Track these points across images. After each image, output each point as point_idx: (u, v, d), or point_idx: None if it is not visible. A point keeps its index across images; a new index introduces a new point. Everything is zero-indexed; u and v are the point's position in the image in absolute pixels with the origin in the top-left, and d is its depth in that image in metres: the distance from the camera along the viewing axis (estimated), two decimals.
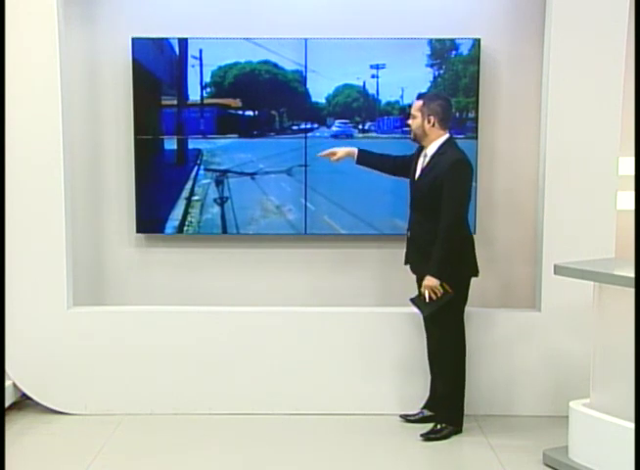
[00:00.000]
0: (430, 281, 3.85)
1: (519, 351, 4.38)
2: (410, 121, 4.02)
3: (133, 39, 4.47)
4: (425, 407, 4.21)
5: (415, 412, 4.23)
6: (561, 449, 3.75)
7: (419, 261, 4.01)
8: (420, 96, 4.09)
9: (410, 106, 4.13)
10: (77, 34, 4.52)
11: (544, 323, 4.36)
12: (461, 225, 3.90)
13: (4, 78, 4.14)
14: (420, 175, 3.98)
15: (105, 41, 4.56)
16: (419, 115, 3.95)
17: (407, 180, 4.13)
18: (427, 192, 3.91)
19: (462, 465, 3.82)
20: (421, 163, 4.00)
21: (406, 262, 4.14)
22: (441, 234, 3.82)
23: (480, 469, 3.75)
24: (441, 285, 3.86)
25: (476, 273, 4.03)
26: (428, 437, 3.99)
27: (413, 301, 4.01)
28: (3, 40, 4.12)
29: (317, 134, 4.55)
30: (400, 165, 4.17)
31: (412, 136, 4.02)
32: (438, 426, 4.02)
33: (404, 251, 4.14)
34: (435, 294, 3.86)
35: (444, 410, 4.05)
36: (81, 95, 4.59)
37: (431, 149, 3.96)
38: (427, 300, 3.89)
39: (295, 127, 4.56)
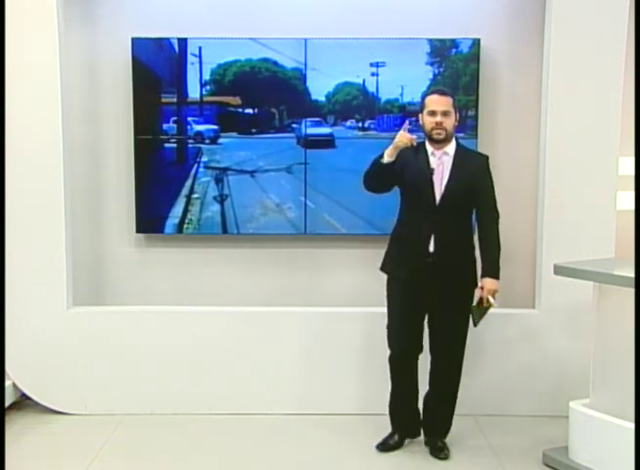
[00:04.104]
0: (493, 284, 3.68)
1: (518, 350, 4.39)
2: (442, 119, 3.64)
3: (133, 39, 4.46)
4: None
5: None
6: (561, 449, 3.76)
7: (456, 266, 3.72)
8: (444, 92, 3.74)
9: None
10: (77, 34, 4.51)
11: (543, 323, 4.37)
12: None
13: (4, 78, 4.13)
14: (451, 175, 3.69)
15: (105, 41, 4.55)
16: (453, 111, 3.70)
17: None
18: (463, 191, 3.69)
19: (462, 465, 3.81)
20: (436, 162, 3.70)
21: (433, 274, 3.70)
22: (495, 234, 3.74)
23: (479, 469, 3.75)
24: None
25: None
26: (446, 454, 3.86)
27: (471, 310, 3.72)
28: (3, 40, 4.11)
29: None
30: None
31: (443, 136, 3.67)
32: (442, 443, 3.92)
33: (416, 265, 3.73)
34: (487, 302, 3.68)
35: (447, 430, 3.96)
36: (81, 95, 4.58)
37: (450, 148, 3.73)
38: (487, 305, 3.67)
39: (294, 125, 4.56)
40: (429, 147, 3.74)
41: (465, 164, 3.72)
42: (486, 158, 3.80)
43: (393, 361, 3.85)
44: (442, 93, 3.72)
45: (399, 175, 3.72)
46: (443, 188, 3.69)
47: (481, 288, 3.71)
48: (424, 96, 3.78)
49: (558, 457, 3.71)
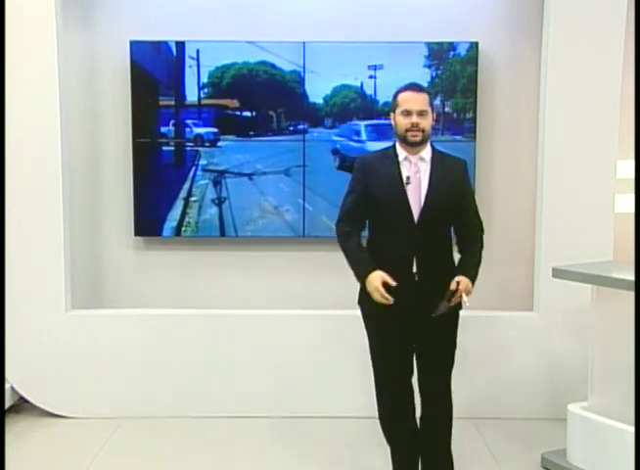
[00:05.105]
0: (470, 284, 3.18)
1: (516, 353, 4.39)
2: (418, 120, 3.17)
3: (131, 42, 4.46)
4: None
5: None
6: (559, 452, 3.76)
7: (440, 287, 3.18)
8: (420, 88, 3.28)
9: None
10: (76, 38, 4.52)
11: (541, 325, 4.37)
12: None
13: (4, 81, 4.13)
14: (430, 184, 3.20)
15: (103, 44, 4.56)
16: (430, 110, 3.22)
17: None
18: (444, 203, 3.21)
19: (460, 468, 3.81)
20: (412, 170, 3.22)
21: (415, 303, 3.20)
22: (479, 242, 3.30)
23: None
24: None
25: None
26: None
27: (439, 303, 3.16)
28: (3, 42, 4.11)
29: (315, 134, 4.56)
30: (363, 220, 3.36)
31: (419, 138, 3.18)
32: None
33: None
34: (459, 299, 3.18)
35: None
36: (80, 98, 4.58)
37: (426, 152, 3.26)
38: (451, 301, 3.15)
39: (292, 128, 4.56)
40: (400, 151, 3.25)
41: (444, 171, 3.24)
42: (465, 162, 3.37)
43: (394, 410, 3.36)
44: (418, 90, 3.24)
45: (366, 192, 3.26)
46: (423, 200, 3.19)
47: (457, 282, 3.16)
48: (396, 93, 3.28)
49: (556, 460, 3.72)
